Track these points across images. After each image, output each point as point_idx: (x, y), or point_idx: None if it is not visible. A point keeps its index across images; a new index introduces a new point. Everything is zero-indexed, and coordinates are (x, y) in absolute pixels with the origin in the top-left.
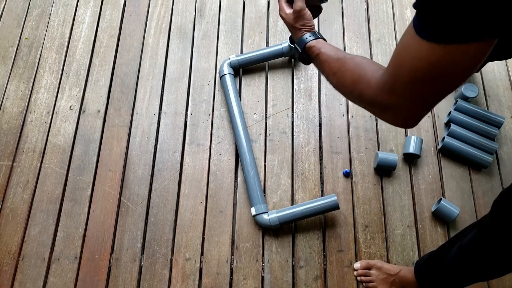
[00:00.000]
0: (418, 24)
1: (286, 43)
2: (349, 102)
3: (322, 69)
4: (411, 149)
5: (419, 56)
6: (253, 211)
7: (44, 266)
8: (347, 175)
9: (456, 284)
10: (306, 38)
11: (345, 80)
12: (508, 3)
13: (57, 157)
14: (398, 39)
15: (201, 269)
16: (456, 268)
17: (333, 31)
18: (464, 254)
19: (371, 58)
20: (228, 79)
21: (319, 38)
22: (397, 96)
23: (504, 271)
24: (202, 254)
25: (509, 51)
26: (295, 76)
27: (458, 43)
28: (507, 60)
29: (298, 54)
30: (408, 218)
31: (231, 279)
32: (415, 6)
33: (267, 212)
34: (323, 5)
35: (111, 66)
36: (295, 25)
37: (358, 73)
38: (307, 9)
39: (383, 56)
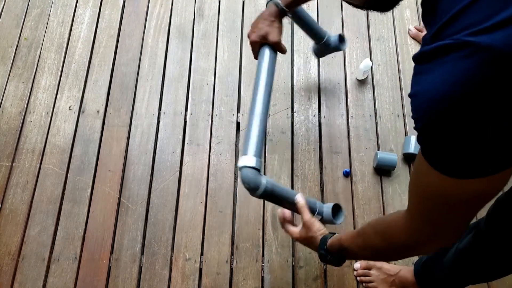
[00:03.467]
0: (430, 157)
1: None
2: (349, 102)
3: (355, 253)
4: (411, 148)
5: (436, 188)
6: (244, 161)
7: (44, 267)
8: (347, 175)
9: (454, 285)
10: (324, 241)
11: (377, 246)
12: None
13: (57, 157)
14: (398, 39)
15: (201, 269)
16: (453, 270)
17: (333, 31)
18: (460, 258)
19: (370, 57)
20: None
21: (334, 234)
22: (431, 225)
23: (501, 274)
24: (202, 254)
25: None
26: (294, 76)
27: (469, 179)
28: None
29: (325, 259)
30: None
31: (231, 279)
32: (418, 141)
33: (259, 170)
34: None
35: (111, 66)
36: (309, 237)
37: (383, 231)
38: (314, 217)
39: (382, 55)
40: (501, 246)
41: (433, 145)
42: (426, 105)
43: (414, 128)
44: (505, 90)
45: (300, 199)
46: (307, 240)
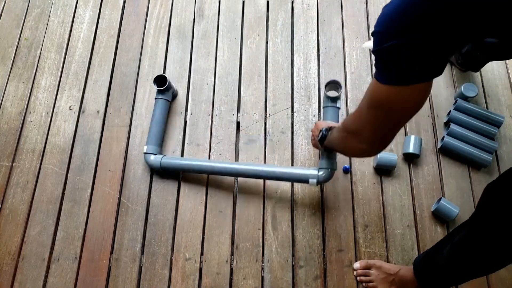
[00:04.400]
0: (376, 69)
1: None
2: (349, 102)
3: (330, 142)
4: (411, 148)
5: (375, 93)
6: (144, 149)
7: (44, 267)
8: (346, 171)
9: (453, 280)
10: (322, 135)
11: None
12: (441, 52)
13: (57, 157)
14: None
15: (201, 269)
16: (450, 265)
17: (333, 31)
18: (457, 252)
19: (370, 57)
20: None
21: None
22: (362, 122)
23: (498, 265)
24: (202, 254)
25: (509, 52)
26: (294, 76)
27: (403, 85)
28: (507, 60)
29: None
30: (407, 217)
31: (231, 279)
32: (372, 51)
33: (155, 154)
34: None
35: (111, 66)
36: (316, 137)
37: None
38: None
39: None
40: (493, 234)
41: (380, 52)
42: (385, 14)
43: (373, 32)
44: (439, 5)
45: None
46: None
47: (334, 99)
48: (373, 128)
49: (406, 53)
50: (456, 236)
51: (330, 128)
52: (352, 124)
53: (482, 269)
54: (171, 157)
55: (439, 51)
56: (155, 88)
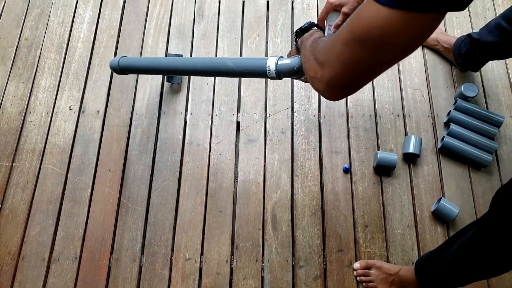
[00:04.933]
0: None
1: None
2: (349, 102)
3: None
4: (411, 148)
5: (368, 20)
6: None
7: (44, 267)
8: (347, 171)
9: (456, 282)
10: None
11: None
12: None
13: (57, 157)
14: None
15: (201, 269)
16: (456, 266)
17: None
18: (463, 252)
19: None
20: None
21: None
22: (333, 56)
23: (503, 269)
24: (202, 254)
25: (508, 51)
26: None
27: (413, 11)
28: (506, 60)
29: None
30: (407, 217)
31: (231, 279)
32: None
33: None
34: None
35: None
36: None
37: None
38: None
39: None
40: (506, 235)
41: None
42: None
43: None
44: None
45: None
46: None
47: None
48: (345, 67)
49: None
50: (464, 237)
51: (313, 25)
52: (321, 54)
53: (488, 271)
54: (131, 57)
55: None
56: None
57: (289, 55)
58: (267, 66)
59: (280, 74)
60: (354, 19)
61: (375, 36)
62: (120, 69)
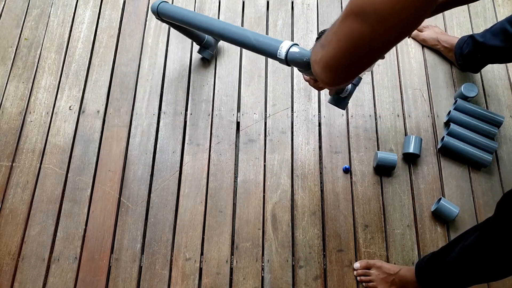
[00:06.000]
0: None
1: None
2: (349, 102)
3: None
4: (411, 148)
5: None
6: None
7: (44, 267)
8: (347, 171)
9: (456, 285)
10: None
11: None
12: None
13: (57, 157)
14: None
15: (201, 269)
16: (457, 269)
17: None
18: (466, 256)
19: None
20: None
21: None
22: (330, 35)
23: (505, 273)
24: (202, 254)
25: (509, 55)
26: (294, 76)
27: None
28: (507, 63)
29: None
30: (407, 217)
31: (231, 279)
32: None
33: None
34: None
35: (111, 66)
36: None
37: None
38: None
39: None
40: (509, 240)
41: None
42: None
43: None
44: None
45: None
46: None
47: None
48: (341, 44)
49: None
50: (467, 240)
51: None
52: (324, 37)
53: (490, 276)
54: (171, 5)
55: None
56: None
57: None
58: (279, 47)
59: (288, 60)
60: None
61: (371, 8)
62: (158, 14)
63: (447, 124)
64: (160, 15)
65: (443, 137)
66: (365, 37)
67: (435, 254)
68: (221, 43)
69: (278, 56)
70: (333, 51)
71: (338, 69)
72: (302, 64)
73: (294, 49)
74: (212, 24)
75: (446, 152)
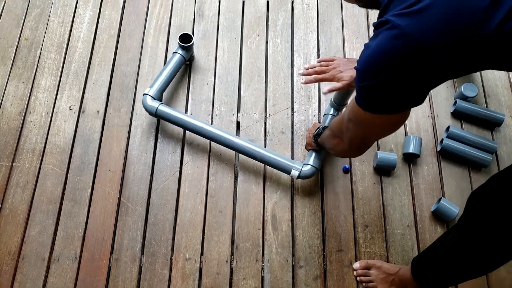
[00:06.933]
0: (357, 95)
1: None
2: (349, 102)
3: (325, 146)
4: (411, 148)
5: (354, 112)
6: (146, 90)
7: (44, 267)
8: (346, 171)
9: (451, 280)
10: (316, 135)
11: (331, 145)
12: (417, 89)
13: (57, 157)
14: None
15: (201, 269)
16: (445, 266)
17: (333, 31)
18: (450, 252)
19: None
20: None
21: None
22: (343, 129)
23: (493, 265)
24: (202, 254)
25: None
26: (294, 76)
27: (382, 114)
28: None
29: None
30: (407, 217)
31: (231, 279)
32: (355, 84)
33: (155, 99)
34: None
35: (111, 66)
36: (312, 133)
37: (333, 140)
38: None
39: None
40: (481, 237)
41: (360, 86)
42: (363, 58)
43: (355, 68)
44: (404, 56)
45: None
46: (308, 138)
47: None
48: (350, 136)
49: (382, 92)
50: (448, 238)
51: (326, 127)
52: (335, 127)
53: (476, 270)
54: (170, 108)
55: (415, 89)
56: (178, 44)
57: (308, 145)
58: (292, 172)
59: (302, 177)
60: (349, 107)
61: (362, 124)
62: (156, 116)
63: (447, 129)
64: (159, 117)
65: (442, 139)
66: (367, 134)
67: (425, 252)
68: (221, 45)
69: (291, 175)
70: (348, 142)
71: (353, 149)
72: (314, 174)
73: (305, 169)
74: (224, 139)
75: (446, 155)
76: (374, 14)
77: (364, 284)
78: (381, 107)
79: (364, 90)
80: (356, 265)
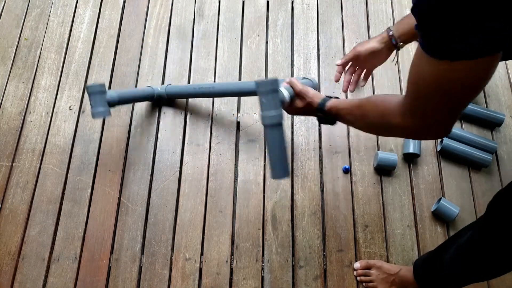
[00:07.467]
0: (423, 42)
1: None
2: (412, 73)
3: (348, 121)
4: (411, 148)
5: (428, 73)
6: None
7: (44, 267)
8: (346, 171)
9: (454, 284)
10: (321, 105)
11: (372, 120)
12: (508, 18)
13: (57, 157)
14: None
15: (201, 269)
16: (454, 268)
17: (333, 31)
18: (461, 255)
19: None
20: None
21: (332, 98)
22: (420, 118)
23: (501, 271)
24: (202, 254)
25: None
26: (294, 76)
27: (462, 60)
28: (506, 60)
29: (322, 121)
30: (408, 217)
31: (231, 279)
32: (416, 27)
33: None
34: None
35: (111, 66)
36: (306, 103)
37: (381, 109)
38: (307, 87)
39: None
40: (502, 239)
41: (427, 28)
42: None
43: (415, 27)
44: None
45: (291, 79)
46: (304, 108)
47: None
48: (436, 118)
49: (468, 20)
50: (462, 239)
51: (329, 98)
52: (407, 123)
53: (486, 274)
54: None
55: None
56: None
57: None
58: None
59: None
60: (413, 71)
61: (439, 85)
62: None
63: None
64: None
65: (442, 139)
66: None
67: (432, 253)
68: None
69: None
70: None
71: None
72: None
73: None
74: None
75: (446, 155)
76: (374, 14)
77: (364, 284)
78: (470, 46)
79: (440, 29)
80: (357, 265)
